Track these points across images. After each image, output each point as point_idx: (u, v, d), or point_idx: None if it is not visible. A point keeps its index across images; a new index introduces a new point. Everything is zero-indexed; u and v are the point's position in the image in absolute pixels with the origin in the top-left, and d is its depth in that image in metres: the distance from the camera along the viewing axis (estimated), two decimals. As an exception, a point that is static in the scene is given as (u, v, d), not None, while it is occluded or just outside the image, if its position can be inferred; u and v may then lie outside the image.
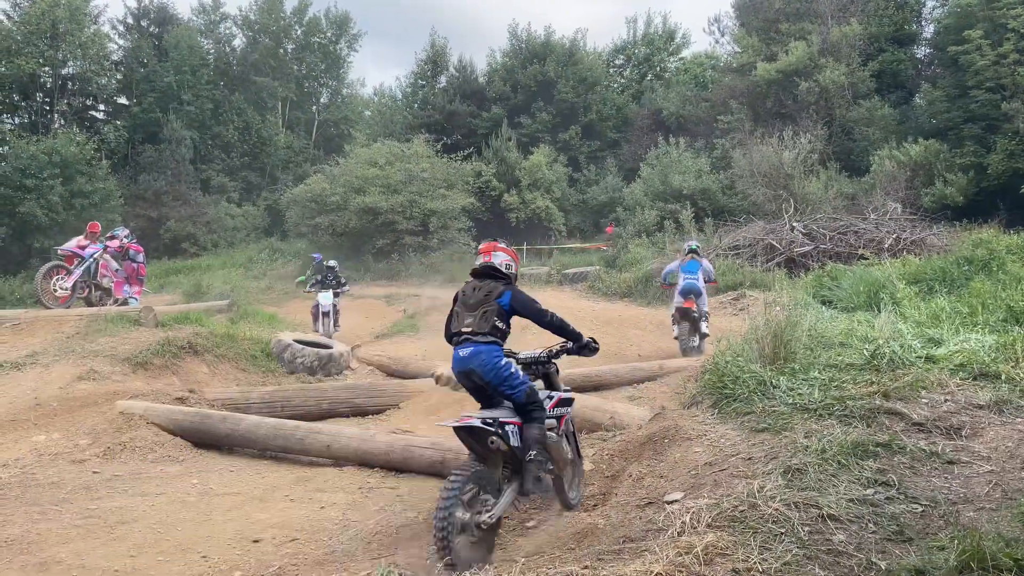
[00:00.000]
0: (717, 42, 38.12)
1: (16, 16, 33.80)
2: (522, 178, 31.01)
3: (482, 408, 4.15)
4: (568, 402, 4.43)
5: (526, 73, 36.76)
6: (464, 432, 3.80)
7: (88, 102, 38.04)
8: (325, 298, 13.06)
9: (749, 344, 5.59)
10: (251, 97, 40.61)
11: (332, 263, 14.17)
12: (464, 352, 4.12)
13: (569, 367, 9.54)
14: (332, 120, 44.31)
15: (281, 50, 42.04)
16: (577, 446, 4.43)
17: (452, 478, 3.53)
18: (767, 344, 5.40)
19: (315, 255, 22.37)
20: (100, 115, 38.82)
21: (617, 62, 42.70)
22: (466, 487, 3.49)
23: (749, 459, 3.74)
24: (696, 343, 9.89)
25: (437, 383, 7.87)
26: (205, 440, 6.02)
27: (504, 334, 4.25)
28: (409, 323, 14.92)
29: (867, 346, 5.33)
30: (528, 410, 4.00)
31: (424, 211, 26.30)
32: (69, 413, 6.26)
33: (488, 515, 3.48)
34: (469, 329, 4.16)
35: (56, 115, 35.86)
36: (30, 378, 7.20)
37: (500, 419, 3.81)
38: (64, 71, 35.18)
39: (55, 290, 9.99)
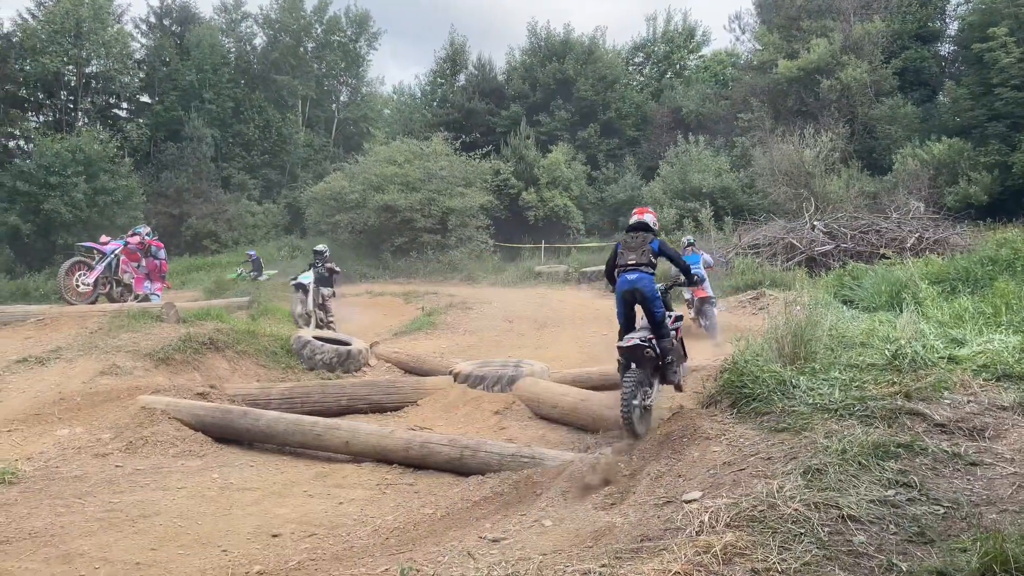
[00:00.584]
0: (737, 39, 37.74)
1: (40, 15, 34.30)
2: (540, 176, 30.97)
3: (624, 330, 6.13)
4: (680, 318, 6.51)
5: (545, 71, 36.69)
6: (628, 350, 5.71)
7: (111, 100, 38.51)
8: (305, 276, 12.93)
9: (769, 343, 5.56)
10: (271, 95, 40.89)
11: (320, 247, 13.88)
12: (632, 276, 5.93)
13: (586, 366, 9.54)
14: (351, 118, 44.51)
15: (301, 48, 42.27)
16: (683, 346, 6.59)
17: (626, 378, 5.48)
18: (787, 343, 5.37)
19: (250, 252, 22.79)
20: (123, 113, 39.26)
21: (636, 60, 42.51)
22: (635, 384, 5.39)
23: (768, 459, 3.72)
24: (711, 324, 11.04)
25: (455, 380, 7.89)
26: (226, 435, 6.08)
27: (655, 268, 6.07)
28: (427, 321, 14.96)
29: (889, 346, 5.28)
30: (662, 327, 5.90)
31: (442, 209, 26.37)
32: (92, 408, 6.34)
33: (649, 400, 5.58)
34: (634, 262, 5.95)
35: (80, 113, 36.34)
36: (54, 373, 7.29)
37: (650, 338, 5.74)
38: (88, 70, 35.63)
39: (77, 286, 10.11)
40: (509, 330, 13.64)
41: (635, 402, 5.34)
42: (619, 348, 5.84)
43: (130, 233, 11.97)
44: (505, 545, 3.56)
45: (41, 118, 36.11)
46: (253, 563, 3.59)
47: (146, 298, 11.49)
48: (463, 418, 7.00)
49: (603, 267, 22.75)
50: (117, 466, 5.14)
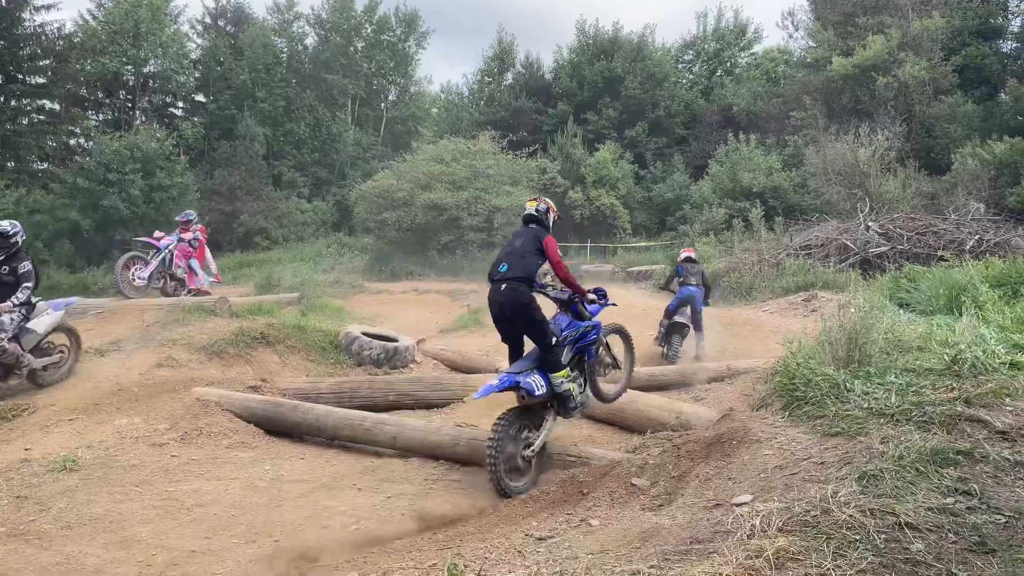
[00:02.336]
0: (791, 36, 37.18)
1: (101, 16, 35.39)
2: (587, 175, 30.86)
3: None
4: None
5: (593, 69, 36.53)
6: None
7: (167, 99, 39.53)
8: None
9: (822, 346, 5.45)
10: (322, 94, 41.49)
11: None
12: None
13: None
14: (400, 117, 44.90)
15: (351, 48, 42.79)
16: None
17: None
18: (841, 346, 5.26)
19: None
20: (179, 112, 40.26)
21: (686, 58, 42.05)
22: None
23: (821, 463, 3.65)
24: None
25: (501, 378, 7.90)
26: (277, 428, 6.19)
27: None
28: (473, 319, 15.01)
29: (947, 351, 5.12)
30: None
31: (489, 207, 26.43)
32: (149, 398, 6.52)
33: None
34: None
35: (138, 112, 37.37)
36: (113, 364, 7.52)
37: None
38: (145, 69, 36.59)
39: (133, 279, 10.40)
40: (555, 329, 13.59)
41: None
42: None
43: (183, 219, 12.11)
44: (552, 544, 3.56)
45: (101, 117, 37.25)
46: (303, 554, 3.65)
47: (198, 292, 11.68)
48: (509, 416, 7.00)
49: (650, 266, 22.59)
50: (173, 456, 5.27)
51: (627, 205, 31.84)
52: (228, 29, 41.32)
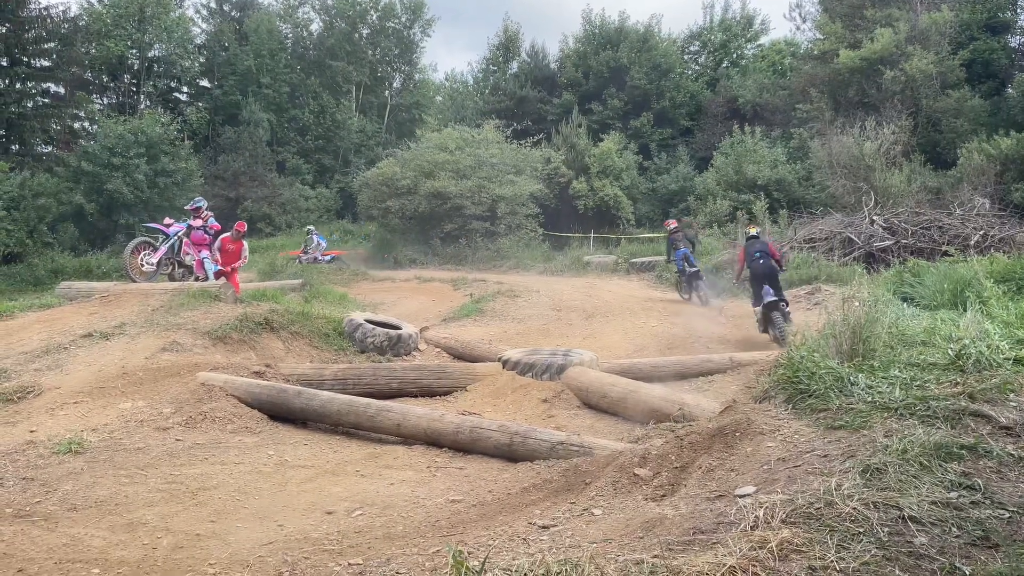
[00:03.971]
0: (798, 28, 37.00)
1: (106, 0, 35.29)
2: (591, 165, 30.80)
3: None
4: None
5: (598, 59, 36.40)
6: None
7: (172, 84, 39.49)
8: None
9: (826, 339, 5.46)
10: (326, 81, 41.39)
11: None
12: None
13: (635, 356, 9.49)
14: (404, 105, 44.82)
15: (356, 35, 42.67)
16: None
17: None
18: (845, 340, 5.26)
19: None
20: (183, 97, 40.23)
21: (692, 48, 41.87)
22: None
23: (825, 456, 3.66)
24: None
25: (504, 367, 7.92)
26: (281, 413, 6.22)
27: None
28: (475, 307, 15.03)
29: (951, 345, 5.12)
30: None
31: (492, 197, 26.41)
32: (154, 382, 6.54)
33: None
34: None
35: (142, 96, 37.35)
36: (118, 348, 7.54)
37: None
38: (150, 54, 36.56)
39: (142, 265, 10.39)
40: (557, 319, 13.63)
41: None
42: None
43: (192, 206, 11.99)
44: (555, 532, 3.58)
45: (105, 100, 37.24)
46: (307, 538, 3.67)
47: (207, 278, 11.65)
48: (511, 405, 7.03)
49: (652, 258, 22.61)
50: (177, 440, 5.30)
51: (631, 196, 31.80)
52: (233, 14, 41.21)
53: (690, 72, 40.65)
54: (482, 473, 4.94)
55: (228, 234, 12.71)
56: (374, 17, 43.37)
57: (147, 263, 10.38)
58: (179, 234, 10.99)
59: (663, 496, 4.10)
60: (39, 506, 3.95)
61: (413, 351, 9.90)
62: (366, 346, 9.51)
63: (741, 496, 3.42)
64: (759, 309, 10.40)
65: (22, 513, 3.83)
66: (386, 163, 29.17)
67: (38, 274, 25.56)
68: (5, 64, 32.61)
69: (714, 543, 2.78)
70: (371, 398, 6.43)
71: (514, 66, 40.22)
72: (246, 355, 7.97)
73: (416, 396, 7.53)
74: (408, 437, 5.79)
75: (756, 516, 2.96)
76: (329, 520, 3.93)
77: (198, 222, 11.45)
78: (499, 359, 8.25)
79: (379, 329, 9.68)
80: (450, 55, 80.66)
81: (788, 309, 10.32)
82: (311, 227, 22.18)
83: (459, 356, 9.86)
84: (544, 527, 3.64)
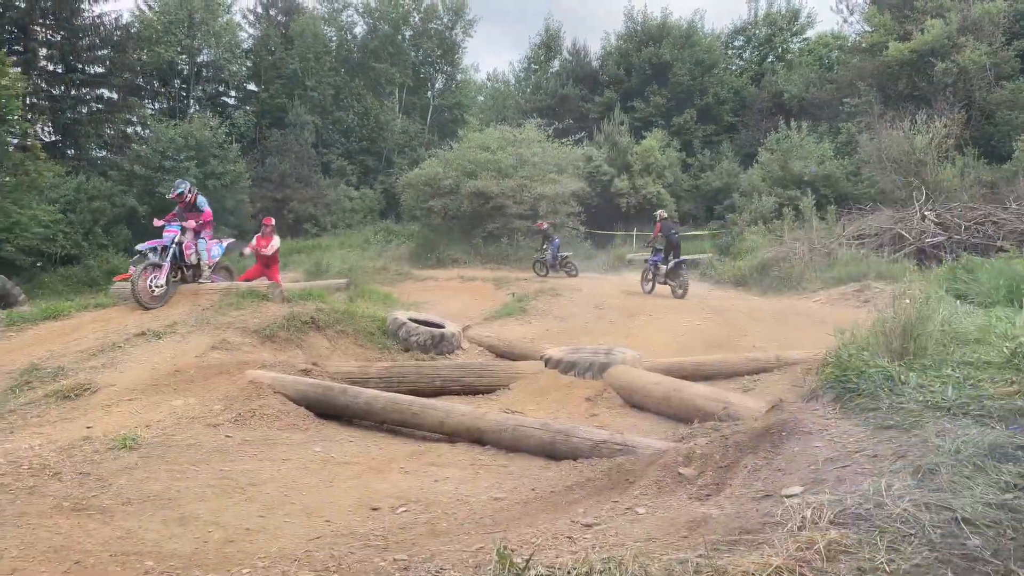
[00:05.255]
0: (845, 21, 36.28)
1: (156, 6, 36.22)
2: (634, 163, 30.62)
3: None
4: None
5: (641, 56, 36.15)
6: None
7: (220, 88, 40.35)
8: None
9: (875, 337, 5.33)
10: (370, 83, 41.84)
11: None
12: None
13: (678, 355, 9.40)
14: (446, 105, 45.08)
15: (399, 37, 43.04)
16: None
17: None
18: (895, 338, 5.14)
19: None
20: (231, 101, 41.07)
21: (736, 43, 41.33)
22: None
23: (875, 456, 3.58)
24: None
25: (546, 366, 7.93)
26: (327, 411, 6.31)
27: None
28: (517, 306, 15.07)
29: (1007, 344, 4.97)
30: None
31: (534, 195, 26.42)
32: (204, 380, 6.69)
33: None
34: None
35: (192, 100, 38.24)
36: (170, 346, 7.74)
37: None
38: (199, 59, 37.43)
39: (152, 289, 9.63)
40: (599, 317, 13.59)
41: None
42: None
43: (174, 194, 11.08)
44: (599, 530, 3.58)
45: (156, 105, 38.21)
46: (353, 533, 3.73)
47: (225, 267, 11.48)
48: (554, 403, 7.03)
49: (696, 256, 22.56)
50: (227, 436, 5.41)
51: (674, 193, 31.55)
52: (279, 19, 41.90)
53: (734, 67, 40.13)
54: (525, 471, 4.95)
55: (259, 233, 12.94)
56: (416, 19, 43.70)
57: (156, 286, 9.62)
58: (175, 239, 10.18)
59: (708, 496, 4.07)
60: (95, 500, 4.07)
61: (456, 349, 9.96)
62: (410, 344, 9.60)
63: (788, 496, 3.38)
64: (665, 267, 15.95)
65: (79, 506, 3.95)
66: (429, 163, 29.40)
67: (93, 275, 26.41)
68: (61, 71, 33.72)
69: (760, 543, 2.75)
70: (415, 396, 6.50)
71: (555, 64, 40.20)
72: (293, 353, 8.11)
73: (459, 394, 7.58)
74: (451, 434, 5.83)
75: (803, 516, 2.92)
76: (375, 516, 3.98)
77: (192, 222, 10.62)
78: (541, 357, 8.26)
79: (422, 328, 9.76)
80: (492, 55, 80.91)
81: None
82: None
83: (501, 354, 9.90)
84: (587, 525, 3.64)
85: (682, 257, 16.09)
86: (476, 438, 5.71)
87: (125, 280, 9.67)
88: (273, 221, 13.33)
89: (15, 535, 3.51)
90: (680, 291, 15.62)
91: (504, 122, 32.94)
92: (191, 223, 10.42)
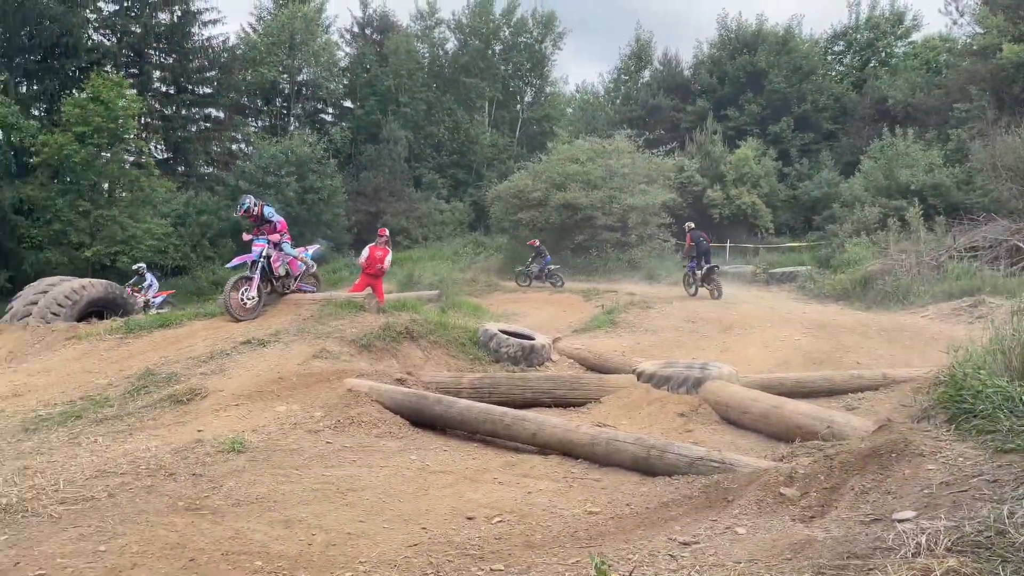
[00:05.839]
0: (955, 23, 34.34)
1: (260, 29, 38.03)
2: (727, 173, 29.99)
3: None
4: None
5: (735, 64, 35.47)
6: None
7: (319, 106, 41.99)
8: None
9: (993, 355, 5.03)
10: (460, 97, 42.60)
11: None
12: None
13: (777, 371, 9.12)
14: (535, 118, 45.41)
15: (489, 51, 43.68)
16: None
17: None
18: (1015, 356, 4.83)
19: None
20: (328, 117, 42.64)
21: (836, 48, 40.02)
22: None
23: (994, 481, 3.38)
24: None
25: (638, 380, 7.83)
26: (421, 420, 6.43)
27: None
28: (607, 319, 14.96)
29: None
30: None
31: (623, 207, 26.24)
32: (306, 387, 6.92)
33: None
34: None
35: (292, 118, 39.89)
36: (273, 354, 8.05)
37: None
38: (299, 78, 39.04)
39: (244, 302, 9.94)
40: (692, 331, 13.34)
41: None
42: None
43: (240, 211, 10.82)
44: (696, 549, 3.50)
45: (259, 123, 40.07)
46: (449, 542, 3.78)
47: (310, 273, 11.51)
48: (646, 418, 6.93)
49: (794, 268, 21.99)
50: (328, 442, 5.58)
51: (770, 204, 30.70)
52: (374, 37, 43.24)
53: (834, 73, 38.84)
54: (619, 486, 4.89)
55: (374, 243, 13.33)
56: (507, 33, 44.26)
57: (247, 298, 9.97)
58: (263, 253, 10.32)
59: (812, 518, 3.92)
60: (207, 500, 4.27)
61: (546, 361, 9.97)
62: (500, 356, 9.67)
63: (900, 521, 3.22)
64: (700, 272, 17.68)
65: (192, 506, 4.15)
66: (517, 176, 29.62)
67: (200, 285, 27.85)
68: (173, 92, 35.85)
69: (870, 569, 2.63)
70: (506, 407, 6.54)
71: (646, 75, 39.92)
72: (388, 363, 8.30)
73: (549, 406, 7.57)
74: (543, 447, 5.83)
75: (918, 542, 2.78)
76: (470, 525, 4.02)
77: (275, 236, 10.73)
78: (633, 371, 8.17)
79: (513, 339, 9.82)
80: (580, 67, 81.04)
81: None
82: (142, 264, 19.96)
83: (592, 367, 9.84)
84: (685, 543, 3.57)
85: (712, 263, 18.11)
86: (568, 451, 5.69)
87: None
88: (387, 232, 13.66)
89: (135, 531, 3.72)
90: (716, 293, 17.50)
91: (593, 134, 32.88)
92: (275, 236, 10.65)
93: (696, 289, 18.09)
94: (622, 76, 41.27)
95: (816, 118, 35.03)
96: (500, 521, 4.10)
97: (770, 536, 3.61)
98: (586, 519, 4.20)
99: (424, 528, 3.97)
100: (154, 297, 19.08)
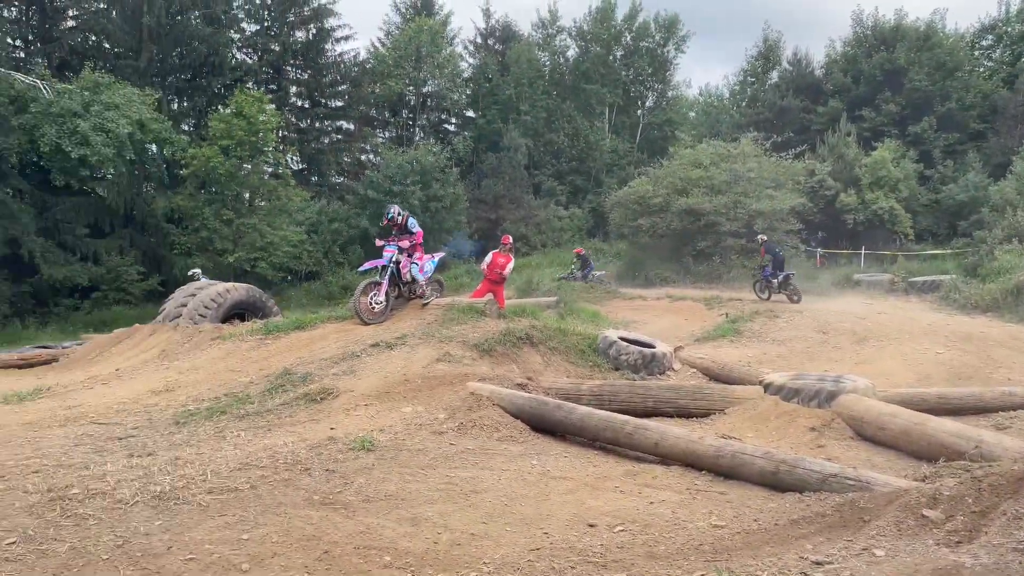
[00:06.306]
0: None
1: (389, 43, 39.53)
2: (862, 176, 28.53)
3: None
4: None
5: (871, 62, 33.72)
6: None
7: (442, 116, 43.10)
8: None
9: None
10: (581, 104, 42.65)
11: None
12: None
13: (918, 386, 8.58)
14: (656, 123, 44.82)
15: (610, 57, 43.50)
16: None
17: None
18: None
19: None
20: (451, 127, 43.71)
21: (984, 43, 37.29)
22: None
23: None
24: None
25: (765, 392, 7.57)
26: (540, 425, 6.46)
27: None
28: (731, 328, 14.55)
29: None
30: None
31: (749, 212, 25.44)
32: (430, 390, 7.12)
33: None
34: None
35: (417, 129, 41.15)
36: (400, 357, 8.33)
37: None
38: (425, 89, 40.24)
39: (372, 306, 10.36)
40: (823, 342, 12.76)
41: None
42: None
43: (386, 220, 11.43)
44: (830, 569, 3.35)
45: (387, 134, 41.59)
46: (571, 548, 3.78)
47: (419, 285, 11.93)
48: (774, 431, 6.68)
49: (937, 277, 20.76)
50: (451, 444, 5.72)
51: (909, 208, 28.93)
52: (496, 47, 43.98)
53: (981, 69, 36.14)
54: (745, 500, 4.74)
55: (497, 249, 13.57)
56: (628, 38, 43.95)
57: (376, 303, 10.38)
58: (392, 259, 10.70)
59: (958, 543, 3.66)
60: (339, 495, 4.46)
61: (667, 370, 9.81)
62: (619, 363, 9.59)
63: (1062, 552, 2.96)
64: (777, 280, 18.90)
65: (326, 501, 4.35)
66: (638, 181, 29.34)
67: (331, 290, 29.22)
68: (307, 106, 37.83)
69: (1028, 602, 2.43)
70: (626, 415, 6.47)
71: (774, 75, 38.62)
72: (509, 367, 8.40)
73: (671, 416, 7.43)
74: (665, 457, 5.73)
75: (1083, 576, 2.55)
76: (592, 533, 4.01)
77: (405, 242, 11.08)
78: (760, 383, 7.90)
79: (633, 347, 9.72)
80: (704, 69, 79.35)
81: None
82: (197, 270, 19.67)
83: (715, 378, 9.60)
84: (817, 563, 3.42)
85: (788, 271, 19.25)
86: (691, 462, 5.56)
87: None
88: (511, 239, 13.91)
89: (275, 522, 3.94)
90: (795, 298, 18.65)
91: (717, 137, 32.11)
92: (405, 243, 11.01)
93: (770, 295, 19.25)
94: (748, 78, 40.07)
95: (962, 117, 32.70)
96: (622, 530, 4.06)
97: (912, 560, 3.40)
98: (711, 532, 4.09)
99: (546, 533, 3.99)
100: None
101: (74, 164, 23.71)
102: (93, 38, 32.21)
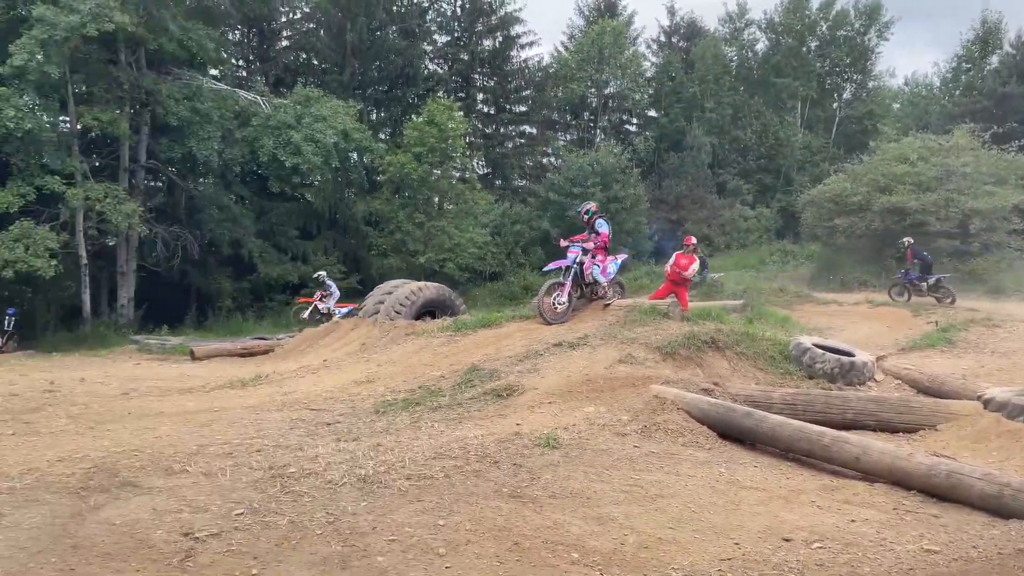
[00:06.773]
0: None
1: (572, 47, 39.93)
2: (1102, 169, 25.04)
3: None
4: None
5: (1118, 38, 29.48)
6: None
7: (624, 117, 42.88)
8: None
9: None
10: (769, 99, 40.83)
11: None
12: None
13: None
14: (854, 116, 41.91)
15: (804, 48, 41.26)
16: None
17: None
18: None
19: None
20: (633, 128, 43.35)
21: None
22: None
23: None
24: None
25: (985, 408, 6.83)
26: (727, 432, 6.23)
27: None
28: (941, 336, 13.30)
29: None
30: None
31: (963, 211, 23.13)
32: (611, 391, 7.09)
33: None
34: None
35: (598, 130, 41.20)
36: (582, 357, 8.38)
37: None
38: (606, 91, 40.23)
39: (555, 306, 10.40)
40: (1053, 355, 11.34)
41: None
42: None
43: (583, 212, 11.62)
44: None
45: (568, 137, 42.00)
46: (765, 562, 3.62)
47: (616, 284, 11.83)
48: (996, 452, 6.02)
49: None
50: (635, 446, 5.66)
51: None
52: (680, 45, 43.10)
53: None
54: (962, 525, 4.32)
55: (680, 250, 13.31)
56: (824, 28, 41.45)
57: (558, 303, 10.40)
58: (576, 260, 10.66)
59: None
60: (526, 490, 4.56)
61: (867, 381, 9.12)
62: (814, 372, 9.05)
63: None
64: (927, 284, 18.85)
65: (515, 494, 4.47)
66: (834, 179, 27.64)
67: (513, 290, 29.98)
68: (493, 112, 39.08)
69: None
70: (822, 426, 6.09)
71: (994, 61, 34.88)
72: (693, 371, 8.19)
73: (872, 430, 6.91)
74: (867, 473, 5.33)
75: None
76: (787, 547, 3.81)
77: (590, 243, 11.04)
78: (978, 398, 7.15)
79: (829, 355, 9.13)
80: (910, 57, 73.24)
81: None
82: (322, 272, 20.73)
83: (924, 391, 8.80)
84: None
85: (937, 275, 19.26)
86: (897, 480, 5.14)
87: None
88: (695, 240, 13.63)
89: (467, 511, 4.10)
90: (948, 299, 18.57)
91: (925, 130, 29.48)
92: (589, 244, 11.01)
93: (909, 297, 19.31)
94: (963, 64, 36.39)
95: None
96: (820, 547, 3.84)
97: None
98: (923, 557, 3.76)
99: (736, 544, 3.85)
100: (337, 307, 19.38)
101: (288, 172, 26.03)
102: (304, 56, 35.31)
